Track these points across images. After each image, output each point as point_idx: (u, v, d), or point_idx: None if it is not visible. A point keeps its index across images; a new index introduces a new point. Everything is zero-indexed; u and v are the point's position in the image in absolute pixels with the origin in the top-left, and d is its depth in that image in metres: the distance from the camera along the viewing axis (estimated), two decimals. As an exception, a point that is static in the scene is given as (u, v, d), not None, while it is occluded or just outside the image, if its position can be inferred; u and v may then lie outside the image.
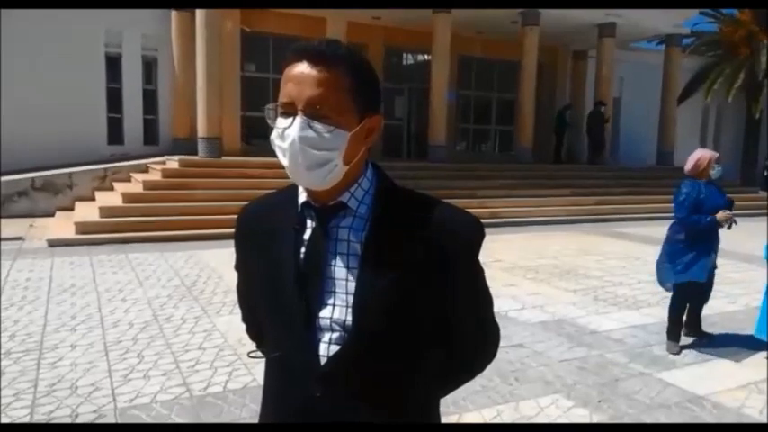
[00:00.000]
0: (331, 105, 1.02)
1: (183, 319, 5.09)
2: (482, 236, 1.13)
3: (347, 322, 1.06)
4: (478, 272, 1.16)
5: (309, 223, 1.11)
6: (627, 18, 15.34)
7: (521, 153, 15.24)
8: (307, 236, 1.10)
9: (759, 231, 10.56)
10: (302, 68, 1.02)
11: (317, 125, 1.02)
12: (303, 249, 1.09)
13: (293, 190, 1.13)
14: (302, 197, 1.11)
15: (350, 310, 1.06)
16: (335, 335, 1.07)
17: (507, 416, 3.40)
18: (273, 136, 1.06)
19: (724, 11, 21.91)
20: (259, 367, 3.88)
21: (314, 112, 1.02)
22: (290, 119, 1.03)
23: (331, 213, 1.09)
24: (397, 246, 1.06)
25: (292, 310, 1.08)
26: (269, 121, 1.07)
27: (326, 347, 1.07)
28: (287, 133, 1.03)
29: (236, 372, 3.94)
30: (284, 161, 1.06)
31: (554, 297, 6.14)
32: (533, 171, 14.44)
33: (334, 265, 1.08)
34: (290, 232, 1.11)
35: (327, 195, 1.08)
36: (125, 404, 3.43)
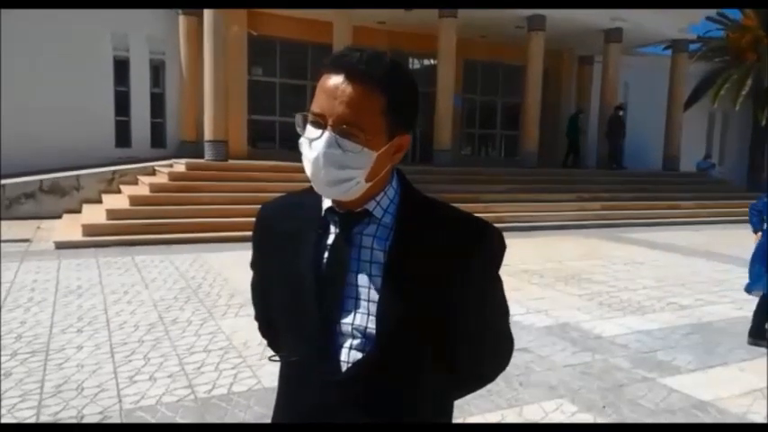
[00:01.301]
0: (362, 126, 1.01)
1: (189, 321, 5.11)
2: (504, 248, 1.13)
3: (368, 329, 1.06)
4: (498, 284, 1.16)
5: (333, 228, 1.11)
6: (633, 23, 15.34)
7: (526, 157, 15.22)
8: (329, 241, 1.10)
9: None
10: (338, 82, 1.01)
11: (345, 143, 1.01)
12: (326, 254, 1.09)
13: (316, 193, 1.12)
14: (327, 202, 1.11)
15: (372, 317, 1.06)
16: (356, 341, 1.07)
17: (511, 420, 3.41)
18: (302, 142, 1.06)
19: (730, 16, 21.89)
20: (264, 370, 3.91)
21: (343, 129, 1.01)
22: (320, 131, 1.03)
23: (355, 220, 1.09)
24: (421, 256, 1.07)
25: (313, 314, 1.09)
26: (298, 129, 1.07)
27: (347, 353, 1.08)
28: (314, 145, 1.03)
29: (240, 374, 3.95)
30: (307, 170, 1.06)
31: (558, 301, 6.14)
32: (538, 175, 14.43)
33: (357, 272, 1.08)
34: (312, 236, 1.11)
35: (353, 203, 1.08)
36: (131, 406, 3.45)
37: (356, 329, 1.07)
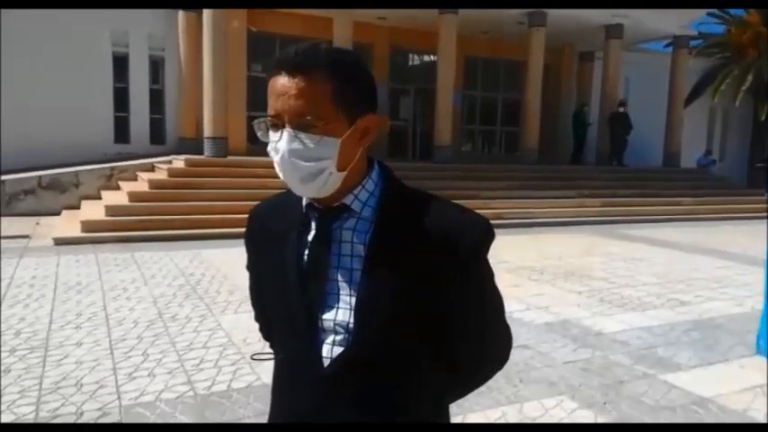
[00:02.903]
0: (315, 115, 1.01)
1: (188, 317, 5.10)
2: (491, 237, 1.10)
3: (350, 324, 1.05)
4: (488, 274, 1.14)
5: (313, 225, 1.10)
6: (634, 19, 15.30)
7: (526, 154, 15.21)
8: (311, 237, 1.10)
9: (765, 234, 10.51)
10: (283, 81, 1.02)
11: (304, 136, 1.02)
12: (306, 251, 1.09)
13: None
14: (306, 199, 1.11)
15: (353, 312, 1.05)
16: (339, 337, 1.06)
17: (512, 417, 3.40)
18: (269, 149, 1.07)
19: (732, 12, 21.86)
20: (263, 366, 3.90)
21: (299, 123, 1.01)
22: (279, 132, 1.03)
23: (334, 215, 1.09)
24: (402, 248, 1.05)
25: (297, 311, 1.08)
26: (259, 134, 1.08)
27: (330, 349, 1.07)
28: (278, 147, 1.03)
29: (240, 371, 3.94)
30: (279, 174, 1.06)
31: (559, 298, 6.13)
32: (538, 172, 14.41)
33: (338, 267, 1.07)
34: (293, 233, 1.11)
35: (331, 198, 1.08)
36: (130, 402, 3.44)
37: (338, 325, 1.06)
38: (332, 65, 1.03)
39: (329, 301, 1.07)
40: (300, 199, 1.12)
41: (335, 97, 1.02)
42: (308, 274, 1.08)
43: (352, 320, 1.05)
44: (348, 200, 1.08)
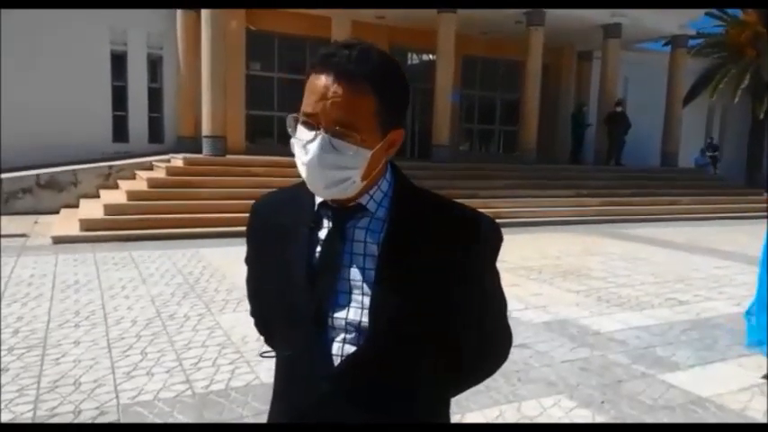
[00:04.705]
0: (355, 126, 0.99)
1: (187, 316, 5.09)
2: (500, 240, 1.12)
3: (362, 323, 1.05)
4: (495, 275, 1.15)
5: (325, 222, 1.10)
6: (632, 19, 15.33)
7: (524, 153, 15.21)
8: (322, 235, 1.09)
9: (763, 233, 10.53)
10: (328, 83, 0.99)
11: (340, 144, 1.00)
12: (318, 248, 1.09)
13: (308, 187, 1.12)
14: (319, 197, 1.10)
15: (365, 311, 1.05)
16: (350, 335, 1.06)
17: (510, 416, 3.40)
18: (294, 144, 1.05)
19: (730, 12, 21.89)
20: (262, 365, 3.90)
21: (336, 131, 1.00)
22: (313, 132, 1.01)
23: (348, 214, 1.08)
24: (415, 248, 1.06)
25: (305, 309, 1.08)
26: (289, 130, 1.05)
27: (340, 347, 1.06)
28: (308, 148, 1.01)
29: (238, 370, 3.94)
30: (302, 173, 1.04)
31: (557, 297, 6.13)
32: (537, 171, 14.42)
33: (350, 266, 1.07)
34: (304, 230, 1.10)
35: (347, 198, 1.07)
36: (128, 401, 3.44)
37: (350, 324, 1.06)
38: (380, 78, 1.01)
39: (340, 300, 1.06)
40: (310, 195, 1.11)
41: (380, 112, 1.01)
42: (319, 272, 1.07)
43: (364, 319, 1.05)
44: (364, 200, 1.08)
